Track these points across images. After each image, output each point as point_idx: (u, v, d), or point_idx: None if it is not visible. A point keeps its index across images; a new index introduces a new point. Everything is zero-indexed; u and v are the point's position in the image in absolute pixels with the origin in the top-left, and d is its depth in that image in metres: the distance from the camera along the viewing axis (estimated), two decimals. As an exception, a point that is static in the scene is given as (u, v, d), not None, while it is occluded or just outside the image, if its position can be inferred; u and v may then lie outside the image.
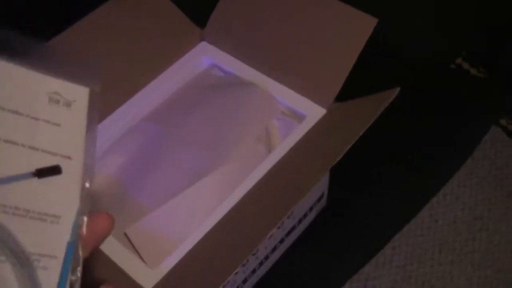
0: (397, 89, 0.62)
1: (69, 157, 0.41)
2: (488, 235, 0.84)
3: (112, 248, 0.60)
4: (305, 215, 0.73)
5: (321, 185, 0.73)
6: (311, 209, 0.74)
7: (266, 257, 0.71)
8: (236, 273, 0.65)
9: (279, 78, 0.72)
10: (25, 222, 0.38)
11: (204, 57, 0.78)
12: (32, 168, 0.39)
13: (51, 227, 0.39)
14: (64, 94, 0.42)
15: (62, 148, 0.41)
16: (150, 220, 0.63)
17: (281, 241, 0.72)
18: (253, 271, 0.70)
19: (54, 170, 0.40)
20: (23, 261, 0.37)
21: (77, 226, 0.40)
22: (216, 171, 0.66)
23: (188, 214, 0.64)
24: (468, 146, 0.88)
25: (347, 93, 0.70)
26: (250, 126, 0.70)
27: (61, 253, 0.39)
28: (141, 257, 0.61)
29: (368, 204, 0.81)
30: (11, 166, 0.39)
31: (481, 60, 0.94)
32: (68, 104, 0.42)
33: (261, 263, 0.70)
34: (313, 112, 0.69)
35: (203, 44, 0.79)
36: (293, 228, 0.72)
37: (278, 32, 0.73)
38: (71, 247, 0.39)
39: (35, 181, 0.40)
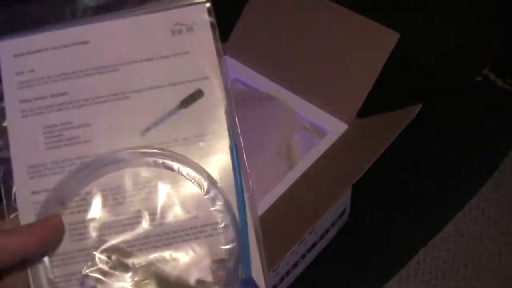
0: (419, 106, 0.61)
1: (206, 78, 0.44)
2: (515, 250, 0.82)
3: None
4: (327, 231, 0.73)
5: (343, 201, 0.72)
6: (333, 224, 0.73)
7: (287, 273, 0.70)
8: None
9: (301, 93, 0.72)
10: (187, 148, 0.42)
11: (227, 71, 0.78)
12: (177, 102, 0.43)
13: (210, 143, 0.43)
14: (184, 21, 0.45)
15: (198, 72, 0.44)
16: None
17: (303, 256, 0.71)
18: (274, 287, 0.69)
19: (197, 95, 0.43)
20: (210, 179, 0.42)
21: (232, 131, 0.43)
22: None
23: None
24: (494, 159, 0.86)
25: (369, 107, 0.69)
26: (271, 141, 0.70)
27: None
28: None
29: (391, 219, 0.80)
30: (160, 107, 0.43)
31: (508, 71, 0.93)
32: (190, 29, 0.45)
33: (282, 279, 0.70)
34: (335, 128, 0.69)
35: (225, 59, 0.79)
36: (315, 243, 0.72)
37: (300, 47, 0.72)
38: (236, 150, 0.43)
39: (184, 111, 0.43)
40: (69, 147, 0.42)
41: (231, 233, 0.41)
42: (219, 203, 0.42)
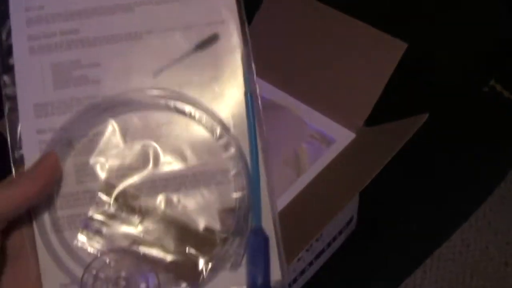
0: (425, 115, 0.62)
1: (223, 21, 0.43)
2: (521, 260, 0.83)
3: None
4: (334, 239, 0.73)
5: (350, 209, 0.73)
6: (340, 232, 0.74)
7: (295, 280, 0.71)
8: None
9: (309, 102, 0.73)
10: (200, 91, 0.41)
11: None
12: (192, 45, 0.42)
13: (225, 89, 0.42)
14: None
15: (214, 16, 0.43)
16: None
17: (310, 264, 0.72)
18: (281, 294, 0.70)
19: (212, 39, 0.42)
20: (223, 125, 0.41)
21: (248, 78, 0.42)
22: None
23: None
24: (501, 170, 0.87)
25: (376, 117, 0.70)
26: (278, 149, 0.70)
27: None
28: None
29: (397, 228, 0.81)
30: (174, 50, 0.42)
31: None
32: None
33: (289, 286, 0.70)
34: (342, 137, 0.70)
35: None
36: (322, 251, 0.72)
37: (308, 56, 0.73)
38: (250, 97, 0.42)
39: (199, 54, 0.42)
40: (78, 86, 0.41)
41: (242, 181, 0.41)
42: (231, 150, 0.41)
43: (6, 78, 0.41)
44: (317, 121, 0.72)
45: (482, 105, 0.92)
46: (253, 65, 0.43)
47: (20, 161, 0.40)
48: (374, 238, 0.80)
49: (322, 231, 0.67)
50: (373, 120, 0.70)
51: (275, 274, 0.40)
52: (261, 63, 0.77)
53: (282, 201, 0.65)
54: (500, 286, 0.80)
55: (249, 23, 0.79)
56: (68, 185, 0.40)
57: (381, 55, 0.69)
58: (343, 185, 0.63)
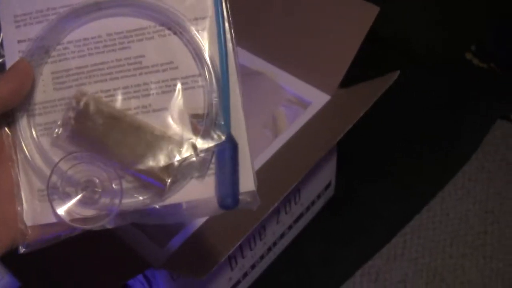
0: (397, 73, 0.63)
1: None
2: (500, 228, 0.84)
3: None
4: (313, 203, 0.74)
5: (328, 173, 0.74)
6: (318, 196, 0.75)
7: (274, 243, 0.71)
8: (244, 257, 0.66)
9: (285, 67, 0.74)
10: None
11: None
12: None
13: None
14: None
15: None
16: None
17: (289, 227, 0.73)
18: (262, 257, 0.71)
19: None
20: (185, 28, 0.40)
21: None
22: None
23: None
24: (477, 137, 0.88)
25: (351, 79, 0.71)
26: (257, 114, 0.71)
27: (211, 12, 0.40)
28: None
29: (376, 195, 0.82)
30: None
31: (490, 56, 0.95)
32: None
33: (269, 249, 0.71)
34: (318, 99, 0.71)
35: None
36: (301, 215, 0.73)
37: (283, 22, 0.74)
38: (218, 2, 0.40)
39: None
40: None
41: (212, 86, 0.40)
42: (201, 55, 0.40)
43: None
44: (293, 85, 0.73)
45: (459, 73, 0.94)
46: None
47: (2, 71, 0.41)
48: (353, 206, 0.81)
49: (300, 188, 0.68)
50: (347, 82, 0.71)
51: (248, 185, 0.40)
52: (237, 30, 0.79)
53: (260, 160, 0.66)
54: (479, 254, 0.81)
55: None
56: (46, 93, 0.41)
57: (354, 19, 0.70)
58: (319, 140, 0.64)
